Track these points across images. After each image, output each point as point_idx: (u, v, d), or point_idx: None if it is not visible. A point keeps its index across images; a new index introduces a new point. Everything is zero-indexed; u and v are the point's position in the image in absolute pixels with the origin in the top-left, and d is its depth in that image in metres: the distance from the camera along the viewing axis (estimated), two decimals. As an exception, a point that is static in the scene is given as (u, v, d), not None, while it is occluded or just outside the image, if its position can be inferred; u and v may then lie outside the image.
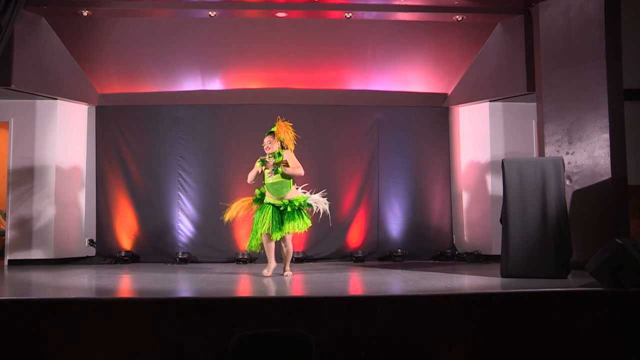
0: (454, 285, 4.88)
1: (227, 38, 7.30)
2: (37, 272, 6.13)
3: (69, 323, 3.79)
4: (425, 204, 7.84)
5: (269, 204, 5.61)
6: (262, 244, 5.64)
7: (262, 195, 5.71)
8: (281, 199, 5.59)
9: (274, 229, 5.50)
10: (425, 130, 7.95)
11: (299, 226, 5.60)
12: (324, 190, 5.97)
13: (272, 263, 5.67)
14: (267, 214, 5.54)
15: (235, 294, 4.69)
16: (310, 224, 5.78)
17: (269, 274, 5.61)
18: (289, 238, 5.65)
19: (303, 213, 5.67)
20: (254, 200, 5.78)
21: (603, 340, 3.95)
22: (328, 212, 5.89)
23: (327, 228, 7.57)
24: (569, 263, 5.18)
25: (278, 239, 5.60)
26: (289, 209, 5.57)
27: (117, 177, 7.61)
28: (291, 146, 5.77)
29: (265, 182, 5.68)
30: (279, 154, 5.66)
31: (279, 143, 5.71)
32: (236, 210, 5.81)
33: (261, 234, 5.56)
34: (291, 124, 5.85)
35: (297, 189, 5.80)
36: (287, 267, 5.77)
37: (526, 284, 4.73)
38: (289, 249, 5.72)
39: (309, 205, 5.77)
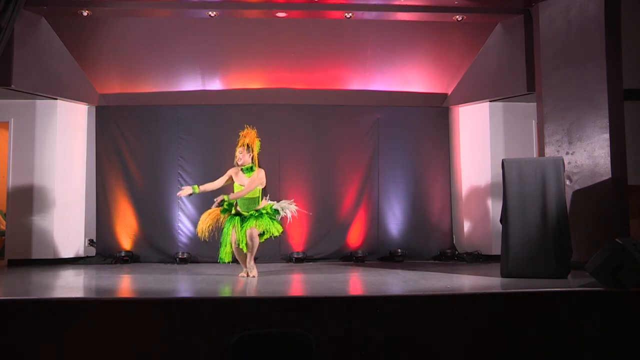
0: (454, 285, 4.88)
1: (227, 38, 7.30)
2: (37, 272, 6.13)
3: (69, 323, 3.79)
4: (425, 204, 7.84)
5: (237, 214, 5.59)
6: (233, 254, 5.62)
7: (230, 205, 5.66)
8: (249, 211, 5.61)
9: (241, 241, 5.48)
10: (425, 130, 7.95)
11: (264, 225, 5.48)
12: (292, 200, 5.88)
13: (247, 268, 5.68)
14: (237, 226, 5.51)
15: (235, 294, 4.69)
16: (282, 229, 5.69)
17: (245, 275, 5.62)
18: (254, 233, 5.43)
19: (271, 217, 5.60)
20: (221, 211, 5.70)
21: (603, 340, 3.95)
22: (295, 214, 5.76)
23: (327, 228, 7.62)
24: (569, 263, 5.18)
25: (244, 245, 5.56)
26: (255, 214, 5.54)
27: (117, 177, 7.61)
28: (256, 150, 5.70)
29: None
30: (251, 169, 5.62)
31: (251, 154, 5.66)
32: (206, 222, 5.70)
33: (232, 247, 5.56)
34: (255, 129, 5.77)
35: (266, 199, 5.75)
36: (251, 263, 5.57)
37: (526, 284, 4.73)
38: (254, 242, 5.45)
39: (276, 211, 5.69)
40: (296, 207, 5.81)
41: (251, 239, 5.47)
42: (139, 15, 7.06)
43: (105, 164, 7.63)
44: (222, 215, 5.70)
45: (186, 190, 5.61)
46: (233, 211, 5.65)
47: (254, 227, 5.46)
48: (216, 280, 5.42)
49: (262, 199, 5.68)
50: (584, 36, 5.96)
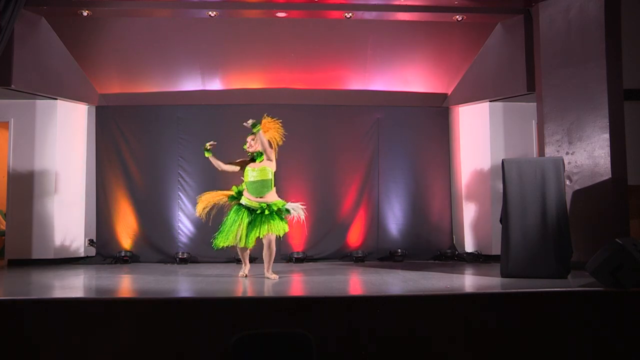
0: (454, 285, 4.89)
1: (227, 38, 7.30)
2: (37, 272, 6.13)
3: (69, 323, 3.80)
4: (425, 204, 7.84)
5: (244, 207, 5.51)
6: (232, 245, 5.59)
7: (239, 193, 5.63)
8: (259, 199, 5.48)
9: (247, 239, 5.42)
10: (425, 130, 7.95)
11: (276, 228, 5.42)
12: (301, 202, 5.79)
13: (247, 266, 5.69)
14: (243, 222, 5.44)
15: (235, 294, 4.70)
16: (287, 229, 5.60)
17: (244, 274, 5.62)
18: (272, 239, 5.45)
19: (281, 216, 5.51)
20: (229, 198, 5.68)
21: (603, 340, 3.95)
22: (303, 218, 5.67)
23: (327, 228, 7.61)
24: (569, 263, 5.19)
25: (251, 246, 5.52)
26: (266, 212, 5.44)
27: (117, 177, 7.60)
28: (275, 144, 5.70)
29: (246, 181, 5.59)
30: (260, 154, 5.59)
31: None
32: (209, 202, 5.70)
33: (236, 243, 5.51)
34: (280, 120, 5.77)
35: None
36: (270, 270, 5.51)
37: (526, 284, 4.74)
38: (271, 250, 5.48)
39: (287, 210, 5.59)
40: (303, 210, 5.69)
41: (269, 246, 5.46)
42: (139, 15, 7.06)
43: (105, 164, 7.63)
44: (228, 202, 5.68)
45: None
46: (243, 201, 5.53)
47: (271, 234, 5.41)
48: (216, 281, 5.42)
49: (273, 186, 5.59)
50: (584, 36, 5.96)
